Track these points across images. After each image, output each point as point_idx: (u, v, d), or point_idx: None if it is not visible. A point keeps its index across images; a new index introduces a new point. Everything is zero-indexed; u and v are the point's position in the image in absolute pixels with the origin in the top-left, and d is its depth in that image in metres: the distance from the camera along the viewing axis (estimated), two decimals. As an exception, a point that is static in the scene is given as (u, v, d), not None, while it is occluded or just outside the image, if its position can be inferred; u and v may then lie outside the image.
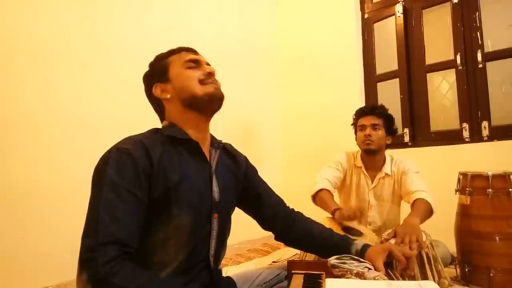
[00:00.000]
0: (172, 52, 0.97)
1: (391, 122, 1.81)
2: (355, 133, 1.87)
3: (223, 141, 1.06)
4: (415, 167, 1.77)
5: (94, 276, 0.68)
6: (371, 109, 1.81)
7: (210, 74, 0.93)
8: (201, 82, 0.91)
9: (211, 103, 0.92)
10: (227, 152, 1.06)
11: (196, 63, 0.94)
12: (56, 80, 1.98)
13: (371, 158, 1.80)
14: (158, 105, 0.98)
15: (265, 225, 1.13)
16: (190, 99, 0.91)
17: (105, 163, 0.79)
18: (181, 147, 0.89)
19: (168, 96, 0.93)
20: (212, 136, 1.01)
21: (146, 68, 1.04)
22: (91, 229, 0.73)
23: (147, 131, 0.93)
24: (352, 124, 1.90)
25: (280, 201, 1.14)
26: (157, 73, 0.96)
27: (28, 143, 1.86)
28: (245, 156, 1.14)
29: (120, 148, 0.81)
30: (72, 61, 2.05)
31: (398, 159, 1.83)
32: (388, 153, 1.86)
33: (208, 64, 0.97)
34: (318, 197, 1.68)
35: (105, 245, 0.70)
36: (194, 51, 0.99)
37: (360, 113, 1.84)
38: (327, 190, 1.69)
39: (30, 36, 1.90)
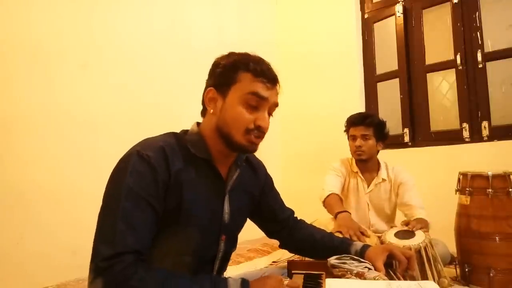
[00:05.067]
0: (251, 70, 0.83)
1: (381, 129, 1.83)
2: (348, 139, 1.92)
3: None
4: (412, 178, 1.82)
5: (111, 282, 0.68)
6: (361, 119, 1.83)
7: (260, 128, 0.84)
8: (247, 131, 0.83)
9: (239, 151, 0.89)
10: (250, 164, 1.03)
11: (259, 103, 0.83)
12: (55, 80, 1.98)
13: (364, 164, 1.87)
14: (203, 103, 0.91)
15: (272, 235, 1.14)
16: (225, 135, 0.84)
17: (125, 169, 0.77)
18: (200, 162, 0.86)
19: (212, 111, 0.86)
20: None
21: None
22: (108, 236, 0.71)
23: (170, 135, 0.88)
24: (344, 131, 1.94)
25: (290, 214, 1.16)
26: (222, 77, 0.85)
27: (27, 143, 1.86)
28: (265, 170, 1.11)
29: (141, 154, 0.78)
30: (71, 61, 2.04)
31: (395, 167, 1.87)
32: (388, 154, 1.89)
33: (275, 105, 0.87)
34: (326, 202, 1.74)
35: (122, 255, 0.69)
36: (272, 83, 0.85)
37: (350, 123, 1.87)
38: (335, 193, 1.75)
39: (29, 36, 1.89)
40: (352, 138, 1.85)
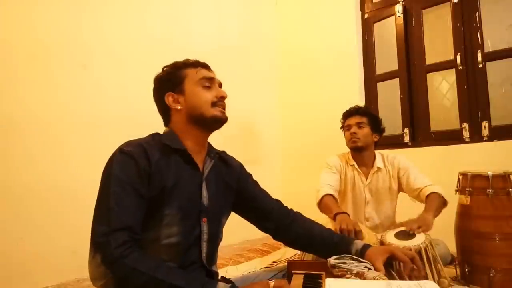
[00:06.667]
0: (189, 65, 1.02)
1: (376, 120, 1.89)
2: (344, 132, 1.94)
3: (219, 150, 1.12)
4: (408, 161, 1.85)
5: (108, 257, 0.77)
6: (355, 109, 1.90)
7: (222, 98, 1.00)
8: (213, 104, 0.98)
9: (215, 124, 1.00)
10: (222, 159, 1.11)
11: (210, 82, 1.01)
12: (57, 80, 1.98)
13: (361, 155, 1.87)
14: (165, 111, 1.03)
15: (261, 226, 1.15)
16: (198, 117, 0.98)
17: (111, 163, 0.89)
18: (176, 154, 0.96)
19: (179, 107, 0.99)
20: (210, 146, 1.08)
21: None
22: (103, 216, 0.82)
23: (147, 136, 0.99)
24: (341, 128, 1.98)
25: (275, 202, 1.16)
26: (172, 82, 1.00)
27: (28, 143, 1.86)
28: (240, 163, 1.18)
29: (123, 150, 0.90)
30: (72, 61, 2.05)
31: (389, 156, 1.89)
32: (386, 153, 1.89)
33: (220, 84, 1.04)
34: (322, 204, 1.72)
35: (117, 231, 0.79)
36: (209, 68, 1.04)
37: (346, 115, 1.94)
38: (331, 195, 1.72)
39: (30, 36, 1.90)
40: (347, 128, 1.88)
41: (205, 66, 1.03)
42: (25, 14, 1.89)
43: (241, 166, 1.17)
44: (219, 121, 1.00)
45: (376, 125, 1.87)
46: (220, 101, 1.00)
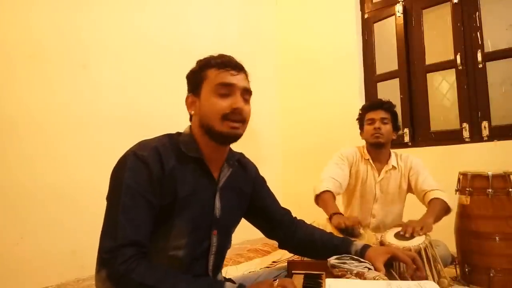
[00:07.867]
0: (213, 65, 0.90)
1: (397, 118, 1.84)
2: (360, 127, 1.88)
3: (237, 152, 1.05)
4: (421, 161, 1.80)
5: (114, 273, 0.73)
6: (380, 104, 1.83)
7: (236, 110, 0.87)
8: (224, 117, 0.86)
9: (223, 140, 0.90)
10: (240, 164, 1.06)
11: (229, 89, 0.88)
12: (56, 80, 1.98)
13: (378, 151, 1.82)
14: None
15: (270, 234, 1.14)
16: (208, 129, 0.88)
17: (122, 168, 0.82)
18: (192, 162, 0.91)
19: (193, 112, 0.93)
20: (230, 152, 1.00)
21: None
22: (110, 230, 0.78)
23: (163, 136, 0.93)
24: (357, 119, 1.91)
25: (285, 212, 1.15)
26: (192, 82, 0.93)
27: (28, 143, 1.86)
28: (255, 166, 1.14)
29: (136, 153, 0.83)
30: (72, 61, 2.05)
31: (403, 154, 1.86)
32: (400, 152, 1.88)
33: (246, 90, 0.91)
34: (320, 199, 1.67)
35: (124, 247, 0.75)
36: (235, 69, 0.91)
37: (368, 108, 1.86)
38: (330, 191, 1.67)
39: (29, 36, 1.90)
40: (369, 122, 1.80)
41: (232, 67, 0.90)
42: (24, 14, 1.89)
43: (256, 170, 1.12)
44: (228, 139, 0.90)
45: (396, 123, 1.82)
46: (232, 114, 0.86)
